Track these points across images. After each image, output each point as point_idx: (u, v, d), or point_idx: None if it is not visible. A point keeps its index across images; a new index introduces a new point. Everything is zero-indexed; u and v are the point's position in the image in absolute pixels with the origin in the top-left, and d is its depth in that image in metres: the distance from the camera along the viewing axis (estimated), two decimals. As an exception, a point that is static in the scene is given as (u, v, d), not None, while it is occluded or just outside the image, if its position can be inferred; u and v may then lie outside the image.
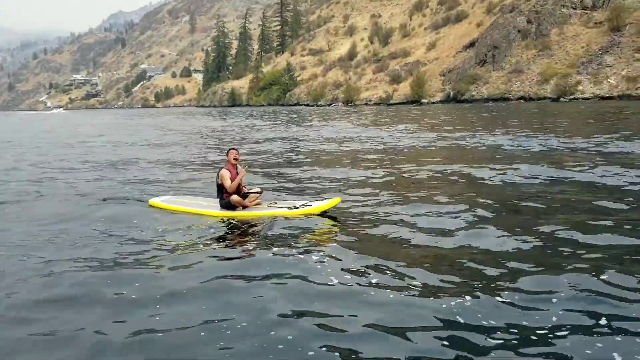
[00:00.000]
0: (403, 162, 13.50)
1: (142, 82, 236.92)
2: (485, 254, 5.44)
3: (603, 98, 48.05)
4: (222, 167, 8.39)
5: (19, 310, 4.33)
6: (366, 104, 75.85)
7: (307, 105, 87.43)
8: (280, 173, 12.59)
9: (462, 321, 3.83)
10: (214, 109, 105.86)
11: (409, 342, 3.55)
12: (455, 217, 7.02)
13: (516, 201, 7.97)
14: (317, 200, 8.29)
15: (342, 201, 8.20)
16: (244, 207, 8.17)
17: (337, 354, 3.43)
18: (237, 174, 8.22)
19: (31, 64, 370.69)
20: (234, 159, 8.26)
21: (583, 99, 49.65)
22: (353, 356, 3.41)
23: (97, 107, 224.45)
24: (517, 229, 6.15)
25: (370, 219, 7.37)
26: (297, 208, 7.85)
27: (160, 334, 3.80)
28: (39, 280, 5.02)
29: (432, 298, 4.27)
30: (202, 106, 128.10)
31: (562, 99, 51.24)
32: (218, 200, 8.37)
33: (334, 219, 7.56)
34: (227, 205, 8.14)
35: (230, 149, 8.45)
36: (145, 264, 5.57)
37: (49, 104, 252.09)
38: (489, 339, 3.56)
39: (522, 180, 9.69)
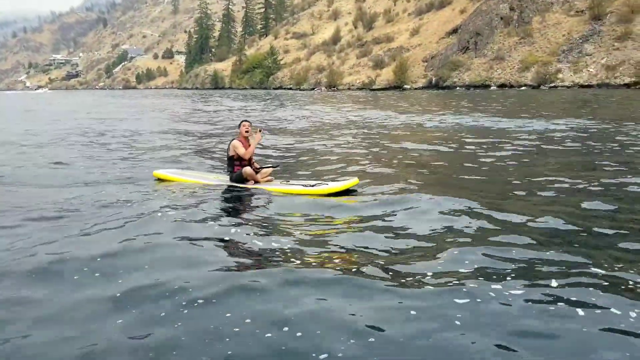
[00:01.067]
0: (417, 144, 13.57)
1: (123, 63, 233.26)
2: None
3: (582, 86, 48.52)
4: (234, 139, 8.11)
5: (16, 282, 4.19)
6: (349, 88, 75.69)
7: (290, 89, 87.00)
8: (290, 155, 12.41)
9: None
10: (197, 91, 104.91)
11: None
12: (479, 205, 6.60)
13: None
14: (333, 180, 7.90)
15: (361, 182, 7.78)
16: (256, 182, 7.87)
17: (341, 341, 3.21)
18: (249, 146, 7.94)
19: (10, 42, 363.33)
20: (246, 131, 8.00)
21: (563, 87, 50.06)
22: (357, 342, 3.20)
23: (78, 87, 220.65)
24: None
25: (388, 201, 6.88)
26: (312, 186, 7.47)
27: (156, 309, 3.64)
28: (38, 257, 4.77)
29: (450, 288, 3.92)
30: (185, 88, 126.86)
31: (542, 87, 51.61)
32: (227, 175, 8.10)
33: (351, 200, 7.08)
34: (238, 178, 7.87)
35: (242, 121, 8.17)
36: (147, 235, 5.31)
37: (28, 84, 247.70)
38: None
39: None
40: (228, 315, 3.50)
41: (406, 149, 12.85)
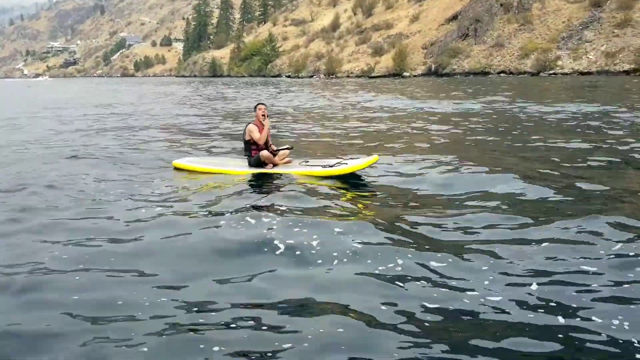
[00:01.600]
0: (426, 124, 13.98)
1: (121, 51, 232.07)
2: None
3: (582, 73, 48.44)
4: (249, 123, 8.03)
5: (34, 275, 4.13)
6: (348, 76, 75.43)
7: (289, 76, 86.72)
8: (303, 136, 12.42)
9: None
10: (195, 79, 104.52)
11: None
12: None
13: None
14: (352, 158, 7.75)
15: (380, 160, 7.65)
16: (274, 164, 7.82)
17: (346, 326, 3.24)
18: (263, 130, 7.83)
19: (7, 30, 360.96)
20: (262, 114, 7.89)
21: (562, 74, 49.98)
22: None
23: (76, 75, 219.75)
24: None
25: (412, 181, 6.92)
26: (331, 167, 7.35)
27: (174, 297, 3.66)
28: (57, 246, 4.76)
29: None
30: (183, 76, 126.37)
31: (541, 74, 51.52)
32: (246, 159, 8.02)
33: (371, 178, 7.13)
34: (256, 162, 7.80)
35: (258, 104, 8.06)
36: (170, 226, 5.21)
37: (25, 72, 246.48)
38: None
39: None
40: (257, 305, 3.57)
41: (416, 129, 13.22)
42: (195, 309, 3.50)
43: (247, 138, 7.88)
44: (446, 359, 2.87)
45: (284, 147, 8.19)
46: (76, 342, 3.10)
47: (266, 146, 7.88)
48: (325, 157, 8.53)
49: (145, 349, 3.00)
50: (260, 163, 7.78)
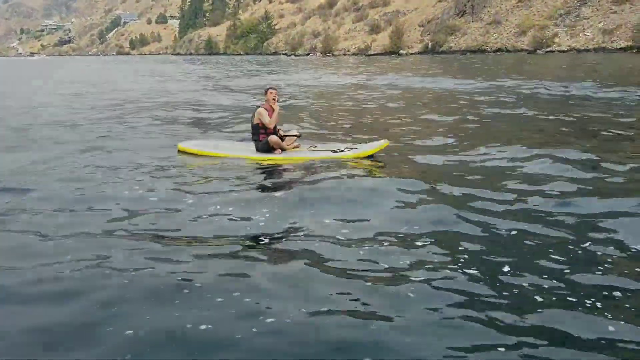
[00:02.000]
0: (430, 107, 13.81)
1: (116, 29, 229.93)
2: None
3: (579, 51, 48.28)
4: (259, 106, 7.79)
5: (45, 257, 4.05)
6: (344, 54, 75.07)
7: (285, 54, 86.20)
8: (312, 118, 12.19)
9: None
10: (192, 57, 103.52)
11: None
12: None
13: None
14: (362, 143, 7.60)
15: (391, 144, 7.53)
16: (282, 149, 7.58)
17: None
18: (273, 114, 7.61)
19: (1, 8, 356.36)
20: (273, 98, 7.64)
21: (559, 51, 49.80)
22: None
23: (71, 54, 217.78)
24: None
25: (424, 165, 6.87)
26: (341, 152, 7.22)
27: (180, 290, 3.50)
28: (59, 231, 4.65)
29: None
30: (178, 54, 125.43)
31: (538, 52, 51.33)
32: (254, 143, 7.74)
33: (382, 164, 6.97)
34: (264, 147, 7.56)
35: (268, 88, 7.79)
36: (175, 215, 5.08)
37: (20, 50, 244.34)
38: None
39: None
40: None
41: (420, 109, 13.25)
42: (186, 286, 3.52)
43: (256, 122, 7.64)
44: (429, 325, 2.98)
45: (292, 133, 7.96)
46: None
47: (274, 131, 7.68)
48: (333, 141, 8.40)
49: (134, 324, 3.02)
50: (269, 148, 7.58)
